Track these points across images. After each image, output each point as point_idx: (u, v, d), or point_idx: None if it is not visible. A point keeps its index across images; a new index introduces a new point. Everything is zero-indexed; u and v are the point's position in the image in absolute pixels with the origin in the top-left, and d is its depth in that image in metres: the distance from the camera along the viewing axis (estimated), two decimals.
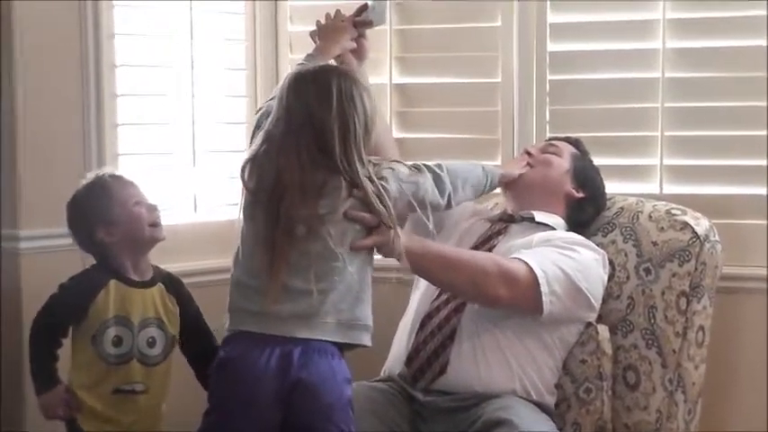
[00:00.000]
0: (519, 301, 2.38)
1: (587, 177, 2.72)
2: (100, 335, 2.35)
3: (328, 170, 2.04)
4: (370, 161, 2.09)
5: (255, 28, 3.21)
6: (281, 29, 3.24)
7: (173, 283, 2.50)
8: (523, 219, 2.65)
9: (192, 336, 2.49)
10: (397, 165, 2.18)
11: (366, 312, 2.10)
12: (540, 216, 2.63)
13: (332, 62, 2.50)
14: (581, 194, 2.69)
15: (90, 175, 2.46)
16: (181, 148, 3.05)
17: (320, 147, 2.03)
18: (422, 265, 2.33)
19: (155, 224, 2.44)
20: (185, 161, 3.05)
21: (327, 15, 2.63)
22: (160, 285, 2.46)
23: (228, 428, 2.06)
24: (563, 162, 2.71)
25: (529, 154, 2.72)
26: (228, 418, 2.05)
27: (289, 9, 3.24)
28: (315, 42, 2.61)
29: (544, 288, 2.36)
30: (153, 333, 2.41)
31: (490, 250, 2.57)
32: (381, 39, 3.14)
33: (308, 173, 2.03)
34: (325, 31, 2.61)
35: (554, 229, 2.62)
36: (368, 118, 2.08)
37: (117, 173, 2.48)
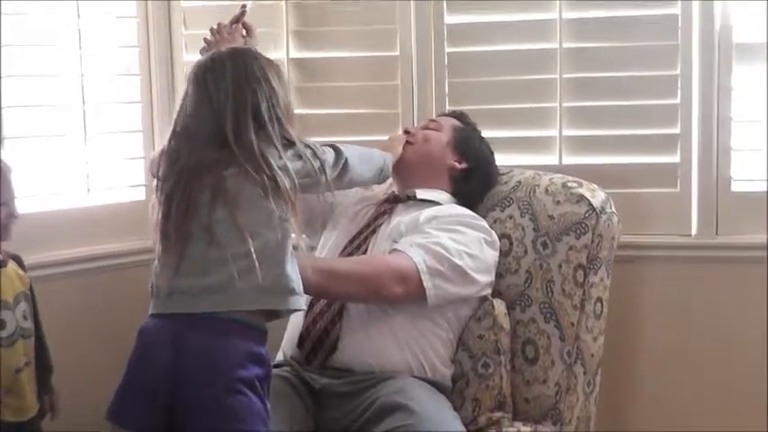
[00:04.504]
0: (411, 294, 2.39)
1: (469, 147, 2.71)
2: None
3: (225, 149, 2.03)
4: (285, 138, 2.08)
5: (149, 32, 3.15)
6: (175, 32, 3.18)
7: (18, 259, 2.50)
8: (408, 198, 2.64)
9: None
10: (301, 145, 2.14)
11: (286, 275, 2.05)
12: (422, 193, 2.63)
13: None
14: (464, 165, 2.69)
15: None
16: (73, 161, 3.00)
17: (215, 127, 2.03)
18: (315, 282, 2.29)
19: (6, 227, 2.41)
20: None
21: (213, 31, 2.61)
22: (12, 261, 2.46)
23: (118, 409, 2.05)
24: (441, 136, 2.70)
25: (408, 133, 2.72)
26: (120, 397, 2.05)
27: (183, 12, 3.17)
28: None
29: (427, 282, 2.37)
30: (24, 307, 2.42)
31: (375, 231, 2.57)
32: (278, 13, 3.10)
33: (204, 153, 2.03)
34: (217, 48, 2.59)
35: (440, 204, 2.61)
36: (274, 93, 2.07)
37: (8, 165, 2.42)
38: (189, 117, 2.08)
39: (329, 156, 2.22)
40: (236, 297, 2.00)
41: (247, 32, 2.65)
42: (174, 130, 2.09)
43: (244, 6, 2.64)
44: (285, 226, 2.06)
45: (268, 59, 2.15)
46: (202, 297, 2.00)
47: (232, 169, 2.02)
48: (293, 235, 2.08)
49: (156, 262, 2.06)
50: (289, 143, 2.09)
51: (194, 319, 2.00)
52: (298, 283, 2.08)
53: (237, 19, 2.64)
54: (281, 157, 2.05)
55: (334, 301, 2.44)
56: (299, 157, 2.11)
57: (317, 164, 2.14)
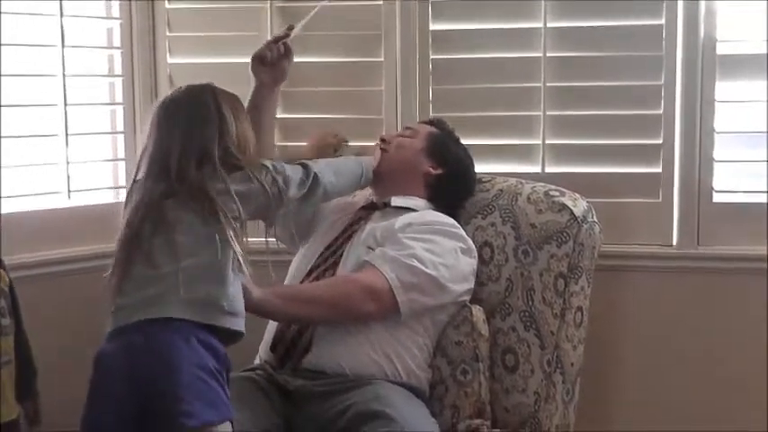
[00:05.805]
0: (384, 310, 2.40)
1: (444, 153, 2.70)
2: None
3: (169, 181, 2.11)
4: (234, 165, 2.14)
5: (132, 34, 3.14)
6: (158, 34, 3.16)
7: None
8: (385, 205, 2.65)
9: None
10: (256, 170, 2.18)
11: (223, 293, 2.08)
12: (397, 200, 2.64)
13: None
14: (439, 171, 2.68)
15: None
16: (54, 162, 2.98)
17: (163, 162, 2.12)
18: (281, 308, 2.35)
19: None
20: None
21: (270, 46, 2.63)
22: None
23: (88, 421, 2.07)
24: (416, 142, 2.70)
25: (383, 140, 2.71)
26: (89, 410, 2.07)
27: (167, 14, 3.15)
28: (256, 77, 2.64)
29: (400, 296, 2.39)
30: (2, 304, 2.38)
31: (351, 236, 2.58)
32: (262, 16, 3.09)
33: (153, 188, 2.11)
34: (269, 67, 2.65)
35: (415, 210, 2.61)
36: (225, 124, 2.14)
37: None
38: (147, 158, 2.15)
39: (295, 174, 2.27)
40: (170, 308, 2.04)
41: (286, 53, 2.67)
42: (134, 179, 2.18)
43: (290, 27, 2.68)
44: (225, 246, 2.08)
45: (225, 93, 2.21)
46: (140, 307, 2.05)
47: (173, 200, 2.09)
48: (239, 256, 2.11)
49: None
50: (237, 169, 2.14)
51: (138, 325, 2.04)
52: (235, 303, 2.11)
53: (280, 38, 2.67)
54: (224, 183, 2.10)
55: (308, 325, 2.44)
56: (249, 181, 2.15)
57: (274, 189, 2.19)
